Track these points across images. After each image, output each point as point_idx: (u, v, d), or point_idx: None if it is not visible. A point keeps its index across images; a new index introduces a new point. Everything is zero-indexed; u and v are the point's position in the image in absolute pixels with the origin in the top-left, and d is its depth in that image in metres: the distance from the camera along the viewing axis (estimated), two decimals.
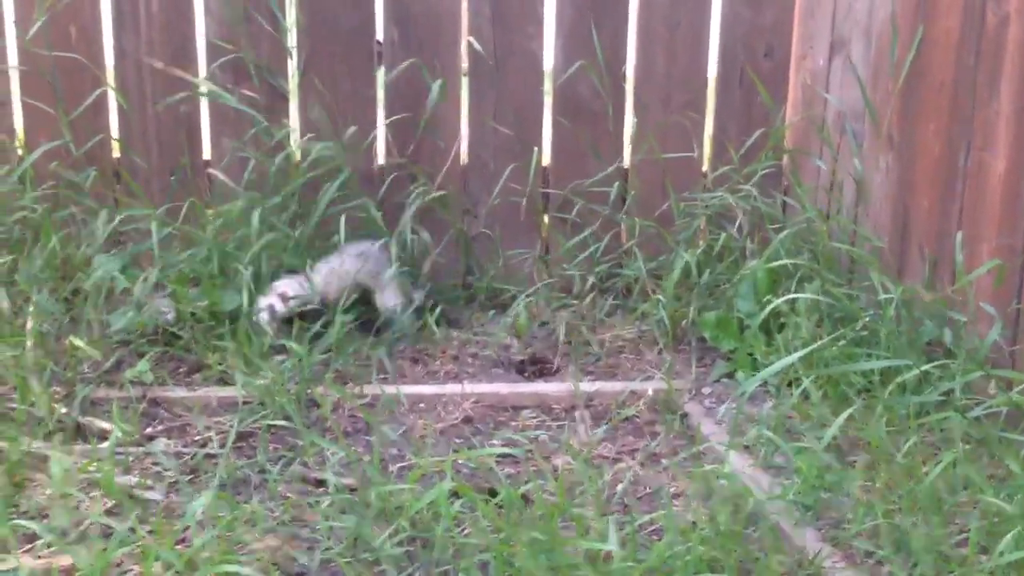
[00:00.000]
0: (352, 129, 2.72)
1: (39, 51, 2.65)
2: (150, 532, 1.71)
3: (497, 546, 1.63)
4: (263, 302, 2.45)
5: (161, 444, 2.08)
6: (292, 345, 2.32)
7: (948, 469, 1.81)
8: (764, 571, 1.63)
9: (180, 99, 2.70)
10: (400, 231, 2.67)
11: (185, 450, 2.07)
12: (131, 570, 1.63)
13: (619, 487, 1.98)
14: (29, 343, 2.22)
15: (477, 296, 2.82)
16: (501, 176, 2.78)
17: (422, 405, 2.31)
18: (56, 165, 2.67)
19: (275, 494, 1.91)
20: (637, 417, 2.27)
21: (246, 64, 2.70)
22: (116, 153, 2.79)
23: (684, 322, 2.58)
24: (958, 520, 1.75)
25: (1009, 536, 1.60)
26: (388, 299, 2.58)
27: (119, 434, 2.05)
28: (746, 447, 2.07)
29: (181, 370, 2.39)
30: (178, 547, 1.66)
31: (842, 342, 2.19)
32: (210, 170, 2.76)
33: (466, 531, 1.74)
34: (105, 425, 2.09)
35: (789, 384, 2.21)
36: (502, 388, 2.38)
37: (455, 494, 1.77)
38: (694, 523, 1.72)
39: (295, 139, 2.74)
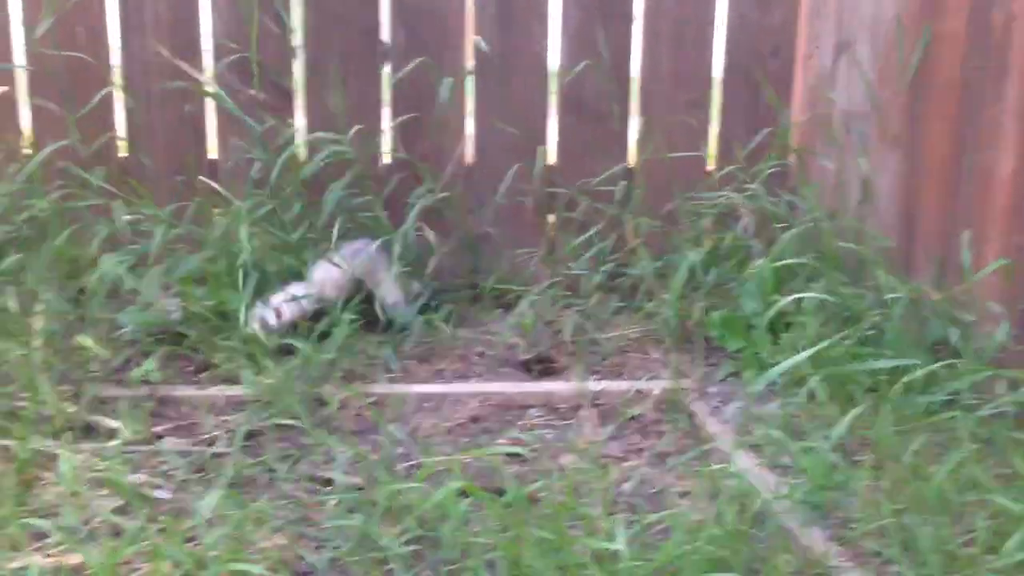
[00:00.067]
0: (354, 128, 2.72)
1: (47, 51, 2.65)
2: (159, 531, 1.71)
3: (504, 545, 1.64)
4: (257, 313, 2.41)
5: (169, 443, 2.08)
6: (299, 344, 2.32)
7: (955, 469, 1.81)
8: (771, 571, 1.63)
9: (182, 94, 2.71)
10: (405, 230, 2.67)
11: (193, 449, 2.07)
12: (140, 568, 1.64)
13: (626, 486, 1.98)
14: (37, 342, 2.22)
15: (483, 295, 2.83)
16: (507, 175, 2.79)
17: (429, 404, 2.31)
18: (64, 164, 2.67)
19: (283, 493, 1.91)
20: (643, 416, 2.27)
21: (252, 64, 2.71)
22: (123, 152, 2.80)
23: (690, 321, 2.58)
24: (966, 520, 1.75)
25: (1017, 536, 1.60)
26: (388, 295, 2.58)
27: (127, 433, 2.06)
28: (753, 446, 2.07)
29: (188, 369, 2.39)
30: (187, 546, 1.66)
31: (849, 341, 2.19)
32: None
33: (474, 530, 1.74)
34: (113, 424, 2.09)
35: (796, 384, 2.21)
36: (508, 387, 2.39)
37: (463, 493, 1.77)
38: (701, 522, 1.72)
39: (301, 139, 2.74)
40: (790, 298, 2.29)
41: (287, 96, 2.76)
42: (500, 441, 2.16)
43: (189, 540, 1.69)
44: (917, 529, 1.69)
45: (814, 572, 1.66)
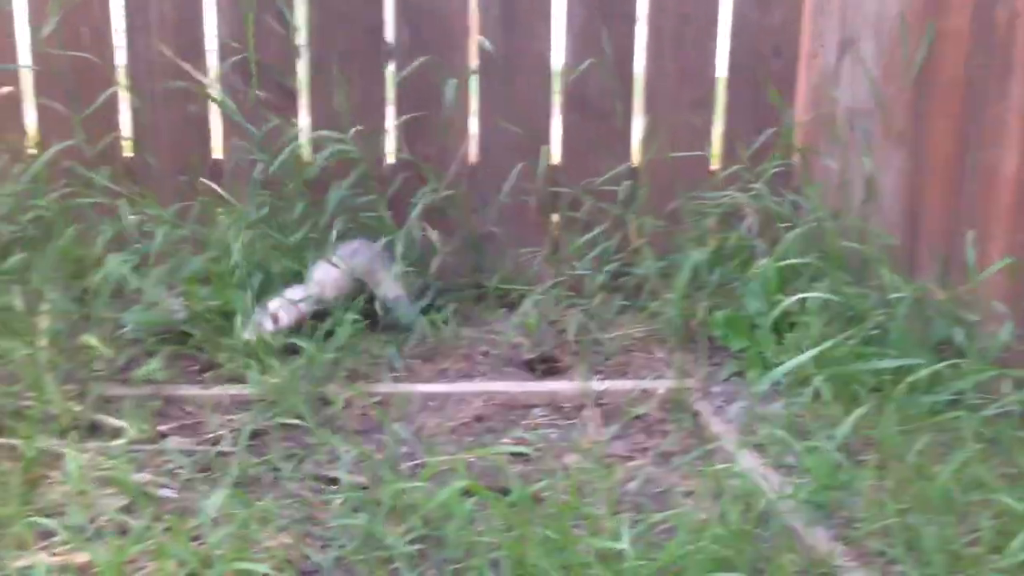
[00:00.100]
0: (355, 128, 2.72)
1: (52, 51, 2.66)
2: (165, 530, 1.72)
3: (509, 544, 1.64)
4: (254, 320, 2.39)
5: (174, 442, 2.09)
6: (303, 344, 2.33)
7: (960, 469, 1.81)
8: (776, 570, 1.64)
9: (187, 94, 2.71)
10: (407, 230, 2.68)
11: (198, 448, 2.07)
12: (146, 567, 1.64)
13: (630, 486, 1.99)
14: (42, 341, 2.23)
15: (487, 295, 2.83)
16: (510, 174, 2.79)
17: (433, 403, 2.32)
18: (69, 164, 2.68)
19: (288, 492, 1.91)
20: (648, 416, 2.27)
21: (256, 63, 2.71)
22: (128, 152, 2.80)
23: (694, 321, 2.58)
24: (970, 519, 1.75)
25: (1021, 535, 1.60)
26: (388, 292, 2.58)
27: (132, 432, 2.07)
28: (757, 446, 2.07)
29: (193, 368, 2.40)
30: (192, 544, 1.66)
31: (853, 341, 2.19)
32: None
33: (478, 529, 1.74)
34: (118, 423, 2.10)
35: (800, 383, 2.20)
36: (512, 386, 2.39)
37: (467, 492, 1.77)
38: (705, 522, 1.73)
39: (304, 138, 2.75)
40: (794, 298, 2.29)
41: (291, 96, 2.76)
42: (504, 440, 2.16)
43: (194, 539, 1.70)
44: (921, 529, 1.69)
45: (818, 572, 1.67)
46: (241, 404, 2.24)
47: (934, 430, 1.97)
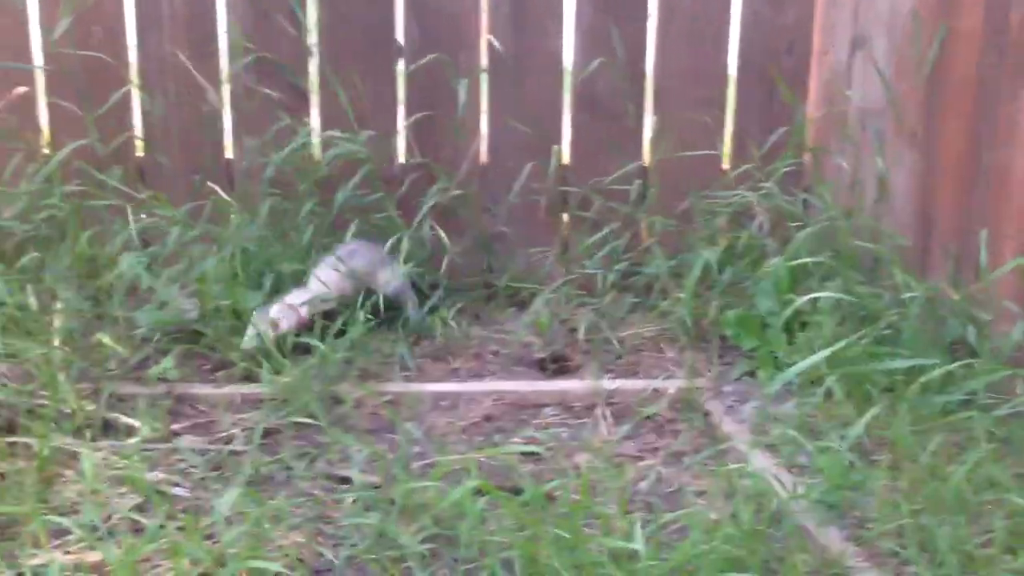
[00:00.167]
0: (368, 132, 2.72)
1: (64, 50, 2.67)
2: (178, 528, 1.72)
3: (521, 544, 1.64)
4: (252, 330, 2.36)
5: (187, 441, 2.10)
6: (316, 343, 2.33)
7: (973, 469, 1.81)
8: (788, 570, 1.64)
9: (199, 93, 2.72)
10: (416, 229, 2.68)
11: (210, 447, 2.08)
12: (160, 566, 1.65)
13: (641, 485, 1.99)
14: (56, 340, 2.24)
15: (497, 294, 2.83)
16: (521, 174, 2.79)
17: (444, 403, 2.32)
18: (82, 164, 2.69)
19: (300, 491, 1.92)
20: (658, 415, 2.27)
21: (268, 63, 2.72)
22: (140, 152, 2.81)
23: (705, 320, 2.58)
24: (983, 520, 1.75)
25: None
26: (388, 287, 2.58)
27: (146, 431, 2.08)
28: (769, 446, 2.07)
29: (205, 367, 2.40)
30: (206, 543, 1.67)
31: (865, 341, 2.19)
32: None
33: (490, 529, 1.74)
34: (132, 422, 2.11)
35: (812, 383, 2.20)
36: (523, 386, 2.39)
37: (479, 492, 1.78)
38: (717, 522, 1.73)
39: (315, 138, 2.76)
40: (807, 298, 2.29)
41: (302, 96, 2.77)
42: (515, 440, 2.16)
43: (208, 538, 1.71)
44: (934, 529, 1.69)
45: (831, 572, 1.67)
46: (253, 403, 2.24)
47: (947, 430, 1.97)
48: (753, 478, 1.86)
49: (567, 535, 1.63)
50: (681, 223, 2.77)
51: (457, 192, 2.77)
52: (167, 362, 2.31)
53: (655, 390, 2.34)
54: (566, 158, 2.85)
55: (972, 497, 1.77)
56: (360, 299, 2.47)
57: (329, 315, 2.44)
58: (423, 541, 1.73)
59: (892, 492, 1.83)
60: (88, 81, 2.70)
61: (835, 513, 1.82)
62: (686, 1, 2.76)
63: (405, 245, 2.61)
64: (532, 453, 2.07)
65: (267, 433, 2.11)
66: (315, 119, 2.78)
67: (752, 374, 2.43)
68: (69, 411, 2.06)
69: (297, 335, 2.39)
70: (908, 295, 2.25)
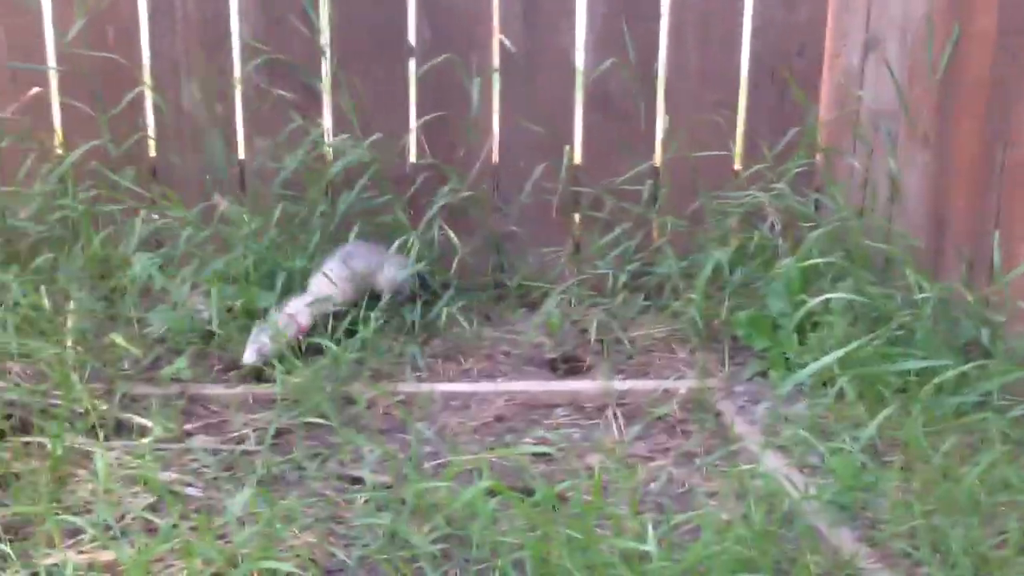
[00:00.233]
0: (378, 135, 2.73)
1: (77, 52, 2.68)
2: (191, 528, 1.73)
3: (533, 544, 1.64)
4: (252, 344, 2.33)
5: (199, 441, 2.10)
6: (327, 343, 2.34)
7: (987, 470, 1.80)
8: (800, 571, 1.63)
9: (211, 93, 2.73)
10: (425, 229, 2.68)
11: (223, 447, 2.09)
12: (173, 565, 1.66)
13: (653, 486, 1.99)
14: (70, 340, 2.25)
15: (508, 294, 2.83)
16: (532, 174, 2.79)
17: (456, 403, 2.32)
18: (95, 164, 2.70)
19: (312, 491, 1.93)
20: (670, 416, 2.27)
21: (280, 64, 2.73)
22: (153, 152, 2.82)
23: (716, 321, 2.58)
24: (997, 521, 1.74)
25: None
26: (387, 282, 2.57)
27: (159, 431, 2.09)
28: (781, 447, 2.06)
29: (217, 367, 2.41)
30: (218, 543, 1.68)
31: (878, 342, 2.18)
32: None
33: (502, 529, 1.75)
34: (145, 421, 2.12)
35: (824, 384, 2.20)
36: (534, 386, 2.39)
37: (491, 492, 1.78)
38: (729, 523, 1.72)
39: (329, 139, 2.76)
40: (819, 299, 2.28)
41: (315, 96, 2.77)
42: (526, 440, 2.17)
43: (220, 538, 1.71)
44: (947, 530, 1.68)
45: (843, 573, 1.66)
46: (265, 403, 2.25)
47: (960, 431, 1.97)
48: (765, 479, 1.85)
49: (579, 536, 1.63)
50: (693, 223, 2.77)
51: (468, 192, 2.77)
52: (180, 362, 2.32)
53: (666, 391, 2.34)
54: (578, 158, 2.85)
55: (985, 498, 1.77)
56: (356, 303, 2.47)
57: (335, 315, 2.44)
58: (435, 541, 1.73)
59: (904, 493, 1.82)
60: (101, 82, 2.71)
61: (847, 514, 1.82)
62: (698, 2, 2.75)
63: (415, 245, 2.61)
64: (543, 453, 2.07)
65: (279, 433, 2.12)
66: (327, 120, 2.79)
67: (764, 375, 2.42)
68: (82, 411, 2.07)
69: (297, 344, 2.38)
70: (921, 296, 2.24)
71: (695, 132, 2.77)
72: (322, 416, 2.16)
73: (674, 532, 1.75)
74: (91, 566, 1.65)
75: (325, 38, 2.75)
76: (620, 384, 2.37)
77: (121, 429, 2.11)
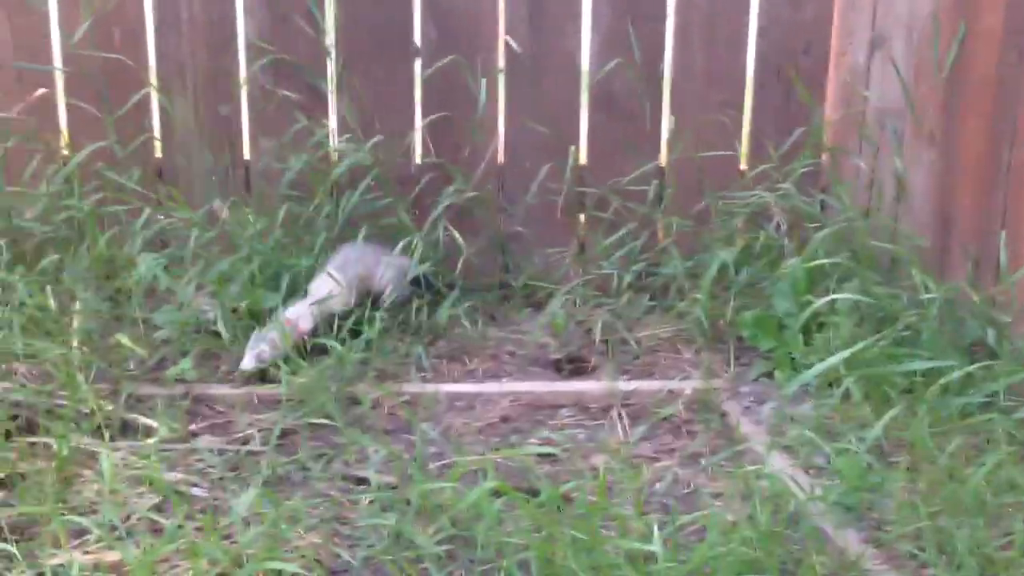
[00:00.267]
0: (380, 136, 2.73)
1: (83, 52, 2.68)
2: (197, 529, 1.73)
3: (538, 545, 1.64)
4: (250, 352, 2.31)
5: (204, 441, 2.11)
6: (332, 343, 2.34)
7: (992, 471, 1.80)
8: (806, 572, 1.63)
9: (217, 94, 2.74)
10: (429, 231, 2.69)
11: (228, 447, 2.09)
12: (178, 566, 1.66)
13: (658, 487, 1.99)
14: (76, 341, 2.26)
15: (513, 295, 2.83)
16: (537, 175, 2.79)
17: (460, 403, 2.32)
18: (101, 165, 2.71)
19: (317, 492, 1.93)
20: (675, 416, 2.27)
21: (286, 64, 2.73)
22: (159, 153, 2.83)
23: (722, 321, 2.57)
24: (1003, 522, 1.74)
25: None
26: (383, 284, 2.57)
27: (164, 431, 2.09)
28: (786, 447, 2.06)
29: (223, 368, 2.41)
30: (224, 543, 1.68)
31: (884, 342, 2.18)
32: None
33: (507, 530, 1.75)
34: (150, 422, 2.12)
35: (830, 384, 2.19)
36: (539, 387, 2.39)
37: (496, 493, 1.78)
38: (734, 524, 1.72)
39: (334, 139, 2.76)
40: (825, 299, 2.28)
41: (320, 97, 2.77)
42: (531, 441, 2.17)
43: (225, 538, 1.72)
44: (953, 532, 1.68)
45: (849, 574, 1.66)
46: (270, 403, 2.25)
47: (966, 432, 1.96)
48: (770, 479, 1.85)
49: (584, 536, 1.63)
50: (698, 224, 2.77)
51: (474, 193, 2.77)
52: (185, 363, 2.32)
53: (671, 391, 2.34)
54: (583, 158, 2.85)
55: (991, 499, 1.76)
56: (356, 307, 2.46)
57: (338, 317, 2.44)
58: (440, 542, 1.73)
59: (910, 494, 1.82)
60: (107, 83, 2.72)
61: (853, 515, 1.82)
62: (704, 1, 2.75)
63: (419, 246, 2.61)
64: (548, 454, 2.07)
65: (284, 434, 2.12)
66: (332, 120, 2.79)
67: (769, 375, 2.42)
68: (88, 411, 2.07)
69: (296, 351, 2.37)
70: (927, 296, 2.24)
71: (701, 132, 2.77)
72: (327, 416, 2.16)
73: (679, 533, 1.75)
74: (97, 566, 1.65)
75: (330, 39, 2.75)
76: (625, 384, 2.37)
77: (127, 429, 2.11)
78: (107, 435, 2.04)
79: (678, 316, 2.65)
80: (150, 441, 2.06)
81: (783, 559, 1.66)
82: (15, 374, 2.15)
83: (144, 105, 2.76)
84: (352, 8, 2.74)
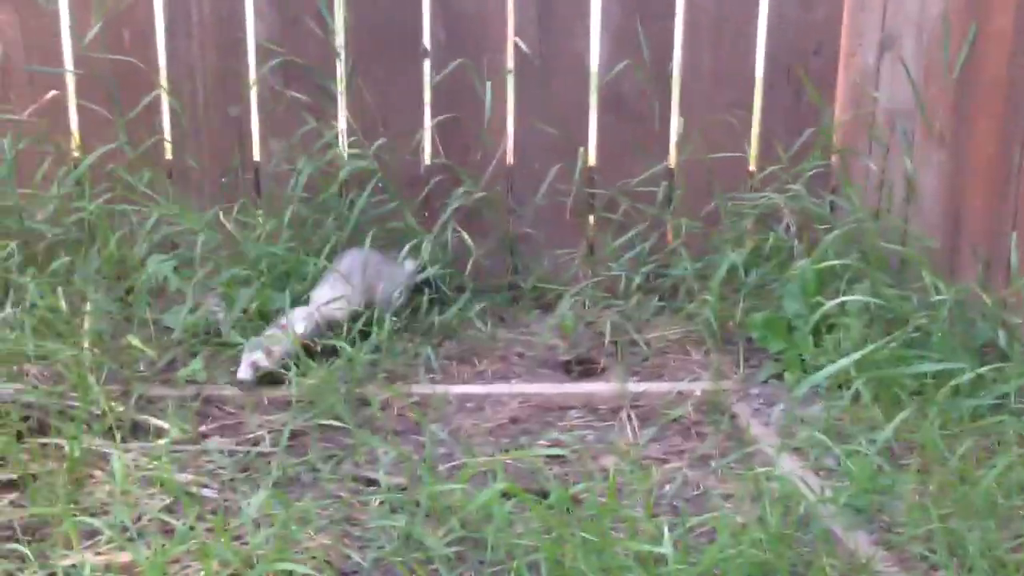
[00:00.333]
0: (390, 138, 2.73)
1: (94, 55, 2.69)
2: (207, 530, 1.74)
3: (548, 547, 1.64)
4: (246, 361, 2.30)
5: (215, 442, 2.11)
6: (342, 344, 2.34)
7: (1003, 473, 1.79)
8: (816, 574, 1.63)
9: (227, 96, 2.75)
10: (438, 232, 2.69)
11: (238, 448, 2.10)
12: (190, 567, 1.66)
13: (667, 488, 1.99)
14: (86, 342, 2.26)
15: (523, 296, 2.83)
16: (547, 176, 2.79)
17: (470, 405, 2.33)
18: (112, 167, 2.72)
19: (327, 493, 1.93)
20: (685, 418, 2.26)
21: (295, 66, 2.73)
22: (169, 155, 2.84)
23: (731, 322, 2.57)
24: (1014, 525, 1.73)
25: None
26: (383, 297, 2.55)
27: (175, 432, 2.10)
28: (796, 449, 2.06)
29: (232, 369, 2.42)
30: (234, 544, 1.68)
31: (894, 344, 2.17)
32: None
33: (517, 532, 1.75)
34: (161, 423, 2.13)
35: (839, 386, 2.19)
36: (548, 388, 2.39)
37: (506, 495, 1.78)
38: (745, 525, 1.72)
39: (343, 140, 2.77)
40: (835, 301, 2.27)
41: (330, 98, 2.78)
42: (541, 442, 2.16)
43: (236, 539, 1.72)
44: (964, 534, 1.67)
45: None
46: (280, 405, 2.26)
47: (977, 434, 1.96)
48: (780, 481, 1.85)
49: (594, 538, 1.63)
50: (707, 225, 2.76)
51: (483, 194, 2.78)
52: (195, 364, 2.33)
53: (681, 392, 2.33)
54: (592, 160, 2.85)
55: (1002, 501, 1.76)
56: (357, 316, 2.45)
57: (354, 317, 2.45)
58: (450, 543, 1.73)
59: (921, 496, 1.81)
60: (118, 85, 2.73)
61: (863, 517, 1.81)
62: (713, 2, 2.75)
63: (427, 248, 2.62)
64: (558, 456, 2.07)
65: (294, 435, 2.13)
66: (342, 121, 2.80)
67: (779, 377, 2.41)
68: (99, 413, 2.08)
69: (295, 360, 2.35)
70: (937, 298, 2.23)
71: (710, 133, 2.77)
72: (337, 418, 2.17)
73: (689, 535, 1.74)
74: (108, 567, 1.66)
75: (340, 40, 2.76)
76: (634, 386, 2.37)
77: (137, 431, 2.12)
78: (118, 436, 2.04)
79: (687, 318, 2.65)
80: (161, 442, 2.06)
81: (793, 561, 1.66)
82: (27, 375, 2.16)
83: (154, 107, 2.77)
84: (361, 10, 2.74)
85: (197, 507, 1.82)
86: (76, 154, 2.76)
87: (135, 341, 2.30)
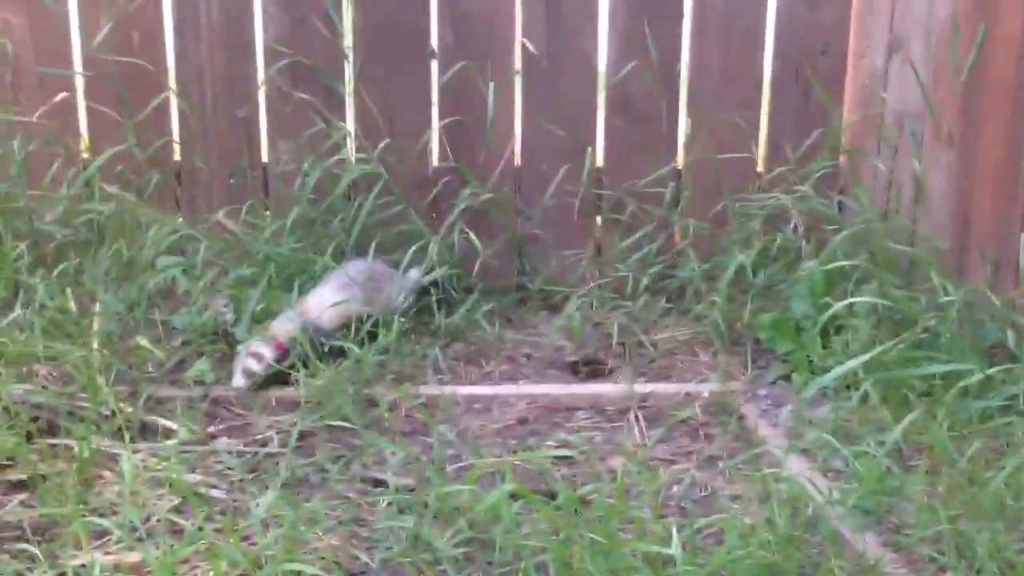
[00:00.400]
0: (397, 139, 2.73)
1: (103, 56, 2.70)
2: (216, 530, 1.74)
3: (555, 548, 1.64)
4: (239, 366, 2.29)
5: (223, 443, 2.12)
6: (350, 346, 2.35)
7: (1012, 474, 1.79)
8: None
9: (235, 97, 2.76)
10: (446, 233, 2.69)
11: (246, 449, 2.10)
12: (198, 567, 1.67)
13: (675, 490, 1.99)
14: (96, 343, 2.27)
15: (530, 297, 2.83)
16: (554, 177, 2.79)
17: (478, 406, 2.33)
18: (121, 168, 2.73)
19: (335, 494, 1.94)
20: (692, 419, 2.26)
21: (303, 67, 2.74)
22: (178, 156, 2.85)
23: (739, 324, 2.57)
24: (1022, 526, 1.73)
25: None
26: (383, 309, 2.50)
27: (183, 433, 2.10)
28: (804, 451, 2.06)
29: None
30: (243, 545, 1.69)
31: (902, 345, 2.17)
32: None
33: (525, 533, 1.75)
34: (170, 424, 2.13)
35: (848, 387, 2.19)
36: (556, 389, 2.39)
37: (513, 496, 1.78)
38: (753, 527, 1.72)
39: (351, 142, 2.77)
40: (843, 302, 2.27)
41: (338, 99, 2.78)
42: (549, 443, 2.17)
43: (245, 540, 1.72)
44: (973, 535, 1.67)
45: None
46: (288, 405, 2.26)
47: (986, 435, 1.95)
48: (788, 483, 1.85)
49: (602, 539, 1.63)
50: (715, 226, 2.76)
51: (490, 195, 2.78)
52: (203, 364, 2.33)
53: (689, 394, 2.33)
54: (600, 161, 2.85)
55: (1011, 503, 1.75)
56: (354, 327, 2.44)
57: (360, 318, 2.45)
58: (458, 545, 1.74)
59: (930, 498, 1.81)
60: (127, 86, 2.74)
61: (872, 518, 1.81)
62: (721, 2, 2.74)
63: (434, 249, 2.62)
64: (566, 457, 2.07)
65: (302, 436, 2.13)
66: (349, 122, 2.80)
67: (787, 378, 2.41)
68: (108, 413, 2.09)
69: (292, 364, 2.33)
70: (946, 299, 2.23)
71: (718, 134, 2.76)
72: (345, 419, 2.17)
73: (697, 536, 1.75)
74: (118, 567, 1.67)
75: (348, 41, 2.76)
76: (642, 387, 2.37)
77: (146, 431, 2.13)
78: (127, 437, 2.05)
79: (695, 319, 2.65)
80: (170, 443, 2.07)
81: (801, 563, 1.66)
82: (36, 376, 2.17)
83: (163, 108, 2.78)
84: (369, 11, 2.75)
85: (206, 508, 1.83)
86: (85, 155, 2.77)
87: (143, 342, 2.31)
